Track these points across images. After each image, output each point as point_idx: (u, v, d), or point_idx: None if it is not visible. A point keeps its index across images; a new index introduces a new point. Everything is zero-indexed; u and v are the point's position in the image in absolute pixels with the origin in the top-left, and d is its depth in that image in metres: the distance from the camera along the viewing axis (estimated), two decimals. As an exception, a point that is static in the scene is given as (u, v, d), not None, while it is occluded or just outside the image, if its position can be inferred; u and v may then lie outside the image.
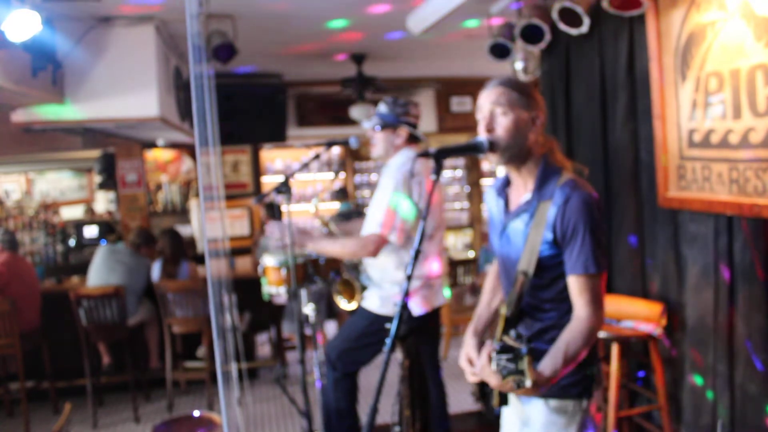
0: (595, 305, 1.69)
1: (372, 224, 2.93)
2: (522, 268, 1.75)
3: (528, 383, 1.47)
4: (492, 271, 2.11)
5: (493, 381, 1.57)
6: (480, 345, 1.86)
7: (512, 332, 1.56)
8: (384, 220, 2.88)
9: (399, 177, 2.89)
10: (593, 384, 1.81)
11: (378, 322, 2.94)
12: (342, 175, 8.16)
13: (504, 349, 1.52)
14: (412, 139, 3.08)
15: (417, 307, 2.99)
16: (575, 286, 1.71)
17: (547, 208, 1.72)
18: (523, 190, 1.83)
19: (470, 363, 1.81)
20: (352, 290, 3.12)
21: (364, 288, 3.10)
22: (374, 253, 2.90)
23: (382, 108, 3.06)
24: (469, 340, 1.88)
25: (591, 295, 1.69)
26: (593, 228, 1.68)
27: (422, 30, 4.50)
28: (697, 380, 2.98)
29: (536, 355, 1.58)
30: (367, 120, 3.10)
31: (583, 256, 1.68)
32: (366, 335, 3.02)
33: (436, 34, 4.79)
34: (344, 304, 3.18)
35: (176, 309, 4.57)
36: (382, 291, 3.02)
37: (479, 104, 1.81)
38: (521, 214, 1.80)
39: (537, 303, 1.80)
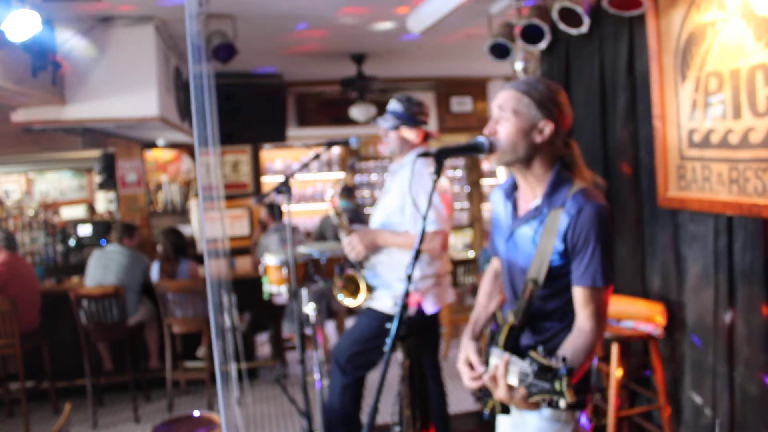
0: (598, 318, 1.70)
1: (428, 223, 2.74)
2: (532, 276, 1.74)
3: (563, 404, 1.44)
4: (489, 273, 2.08)
5: (504, 395, 1.56)
6: (479, 349, 1.85)
7: (540, 349, 1.50)
8: (437, 216, 2.86)
9: (429, 178, 2.85)
10: (587, 393, 1.81)
11: (390, 322, 2.90)
12: (341, 174, 8.15)
13: (541, 368, 1.46)
14: (425, 138, 3.06)
15: (431, 306, 2.96)
16: (580, 297, 1.71)
17: (558, 216, 1.70)
18: (530, 196, 1.81)
19: (470, 367, 1.80)
20: (355, 287, 3.01)
21: (370, 287, 2.99)
22: (445, 247, 2.93)
23: (397, 106, 3.01)
24: (467, 343, 1.87)
25: (595, 307, 1.69)
26: (604, 240, 1.67)
27: (422, 30, 4.50)
28: (697, 380, 2.98)
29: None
30: (382, 119, 3.04)
31: (592, 268, 1.67)
32: (377, 336, 2.92)
33: (436, 35, 4.79)
34: (346, 300, 3.04)
35: (176, 309, 4.57)
36: (394, 291, 2.94)
37: (493, 103, 1.82)
38: (530, 221, 1.78)
39: (542, 312, 1.79)
